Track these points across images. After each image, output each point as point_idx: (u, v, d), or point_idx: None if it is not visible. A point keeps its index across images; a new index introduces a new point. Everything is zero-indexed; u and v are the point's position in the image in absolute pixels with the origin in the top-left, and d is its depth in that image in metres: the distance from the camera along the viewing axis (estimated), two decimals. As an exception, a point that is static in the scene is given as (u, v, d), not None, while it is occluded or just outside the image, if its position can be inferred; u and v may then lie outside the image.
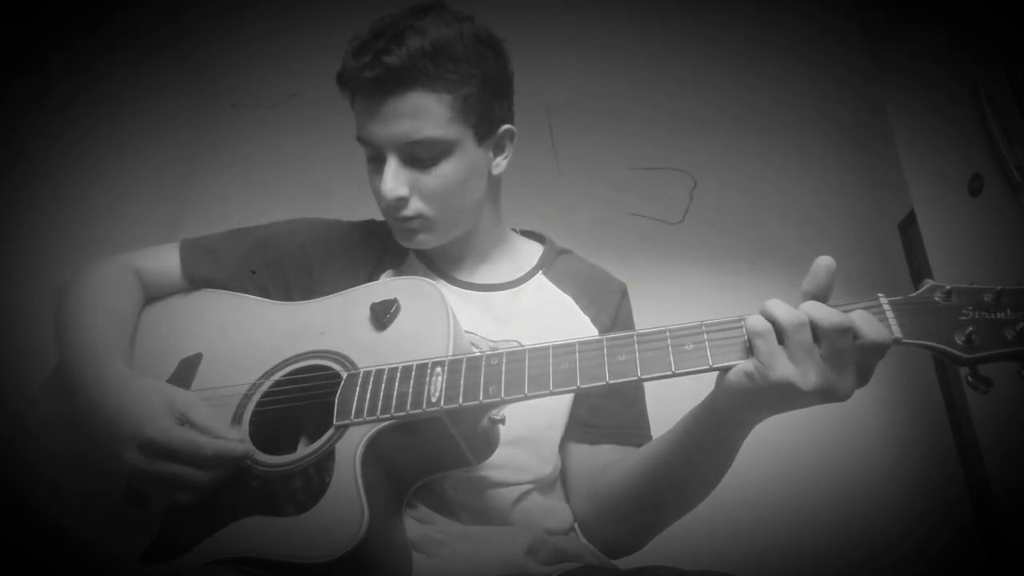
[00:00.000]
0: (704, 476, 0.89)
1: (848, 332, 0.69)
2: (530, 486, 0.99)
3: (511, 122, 1.07)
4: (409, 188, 0.99)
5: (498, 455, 0.91)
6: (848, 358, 0.70)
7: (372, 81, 0.94)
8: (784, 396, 0.71)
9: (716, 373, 0.76)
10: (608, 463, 1.01)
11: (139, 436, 0.81)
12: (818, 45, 2.80)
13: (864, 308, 0.72)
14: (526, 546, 0.89)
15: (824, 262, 0.73)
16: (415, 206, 1.00)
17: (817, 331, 0.70)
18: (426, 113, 0.95)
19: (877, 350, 0.70)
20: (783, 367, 0.70)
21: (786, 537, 2.39)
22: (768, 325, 0.71)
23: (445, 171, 0.98)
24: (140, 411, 0.83)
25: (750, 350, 0.72)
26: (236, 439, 0.85)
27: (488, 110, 1.01)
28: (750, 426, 0.80)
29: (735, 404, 0.75)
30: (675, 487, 0.92)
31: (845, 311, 0.71)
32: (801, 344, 0.69)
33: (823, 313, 0.70)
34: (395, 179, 0.98)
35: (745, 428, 0.81)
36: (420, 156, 0.97)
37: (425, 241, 1.04)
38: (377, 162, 1.00)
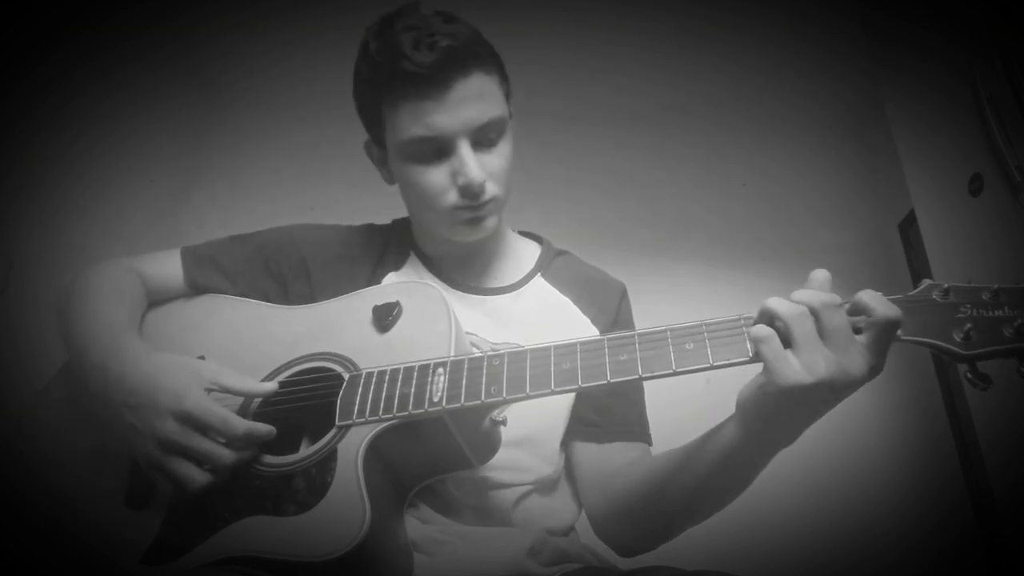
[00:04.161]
0: (721, 492, 0.87)
1: (840, 309, 0.69)
2: (531, 487, 0.99)
3: None
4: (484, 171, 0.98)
5: (500, 456, 0.91)
6: (847, 335, 0.69)
7: (438, 68, 0.92)
8: (800, 399, 0.70)
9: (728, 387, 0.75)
10: (622, 464, 1.00)
11: (177, 407, 0.82)
12: (819, 43, 2.80)
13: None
14: (528, 547, 0.89)
15: (820, 275, 0.73)
16: (491, 189, 0.98)
17: (812, 314, 0.69)
18: (489, 93, 0.97)
19: (888, 327, 0.68)
20: (791, 367, 0.69)
21: (786, 538, 2.39)
22: (770, 331, 0.70)
23: (505, 150, 0.99)
24: (174, 383, 0.84)
25: (751, 350, 0.72)
26: (270, 387, 0.89)
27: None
28: (775, 446, 0.78)
29: (755, 423, 0.75)
30: (689, 501, 0.88)
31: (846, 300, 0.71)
32: (806, 335, 0.69)
33: (810, 295, 0.70)
34: (477, 164, 0.96)
35: (770, 447, 0.78)
36: (489, 136, 0.97)
37: (490, 226, 1.02)
38: (436, 156, 0.97)
